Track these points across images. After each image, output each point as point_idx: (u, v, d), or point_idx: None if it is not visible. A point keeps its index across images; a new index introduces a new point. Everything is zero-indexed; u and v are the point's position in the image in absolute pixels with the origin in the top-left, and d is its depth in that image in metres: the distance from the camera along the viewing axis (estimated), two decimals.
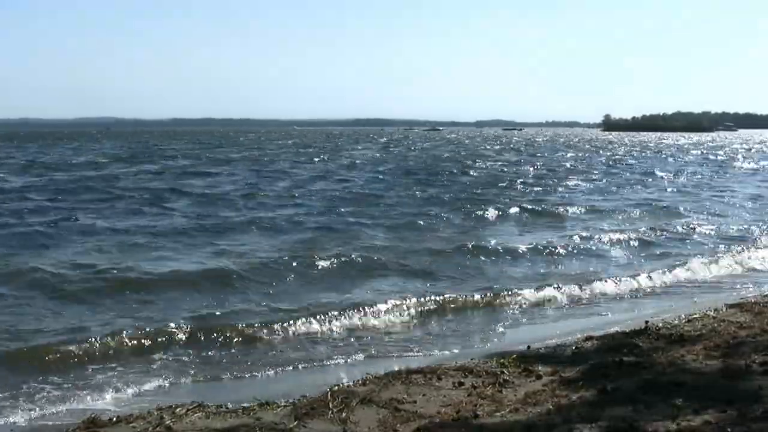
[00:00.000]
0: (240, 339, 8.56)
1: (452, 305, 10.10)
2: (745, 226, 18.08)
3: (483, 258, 13.43)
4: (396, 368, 7.00)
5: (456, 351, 8.05)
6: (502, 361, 7.10)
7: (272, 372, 7.51)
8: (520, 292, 10.71)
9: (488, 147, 78.80)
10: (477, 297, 10.45)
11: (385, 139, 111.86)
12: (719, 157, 57.38)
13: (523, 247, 14.28)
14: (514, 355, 7.33)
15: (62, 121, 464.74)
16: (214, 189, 26.84)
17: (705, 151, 69.69)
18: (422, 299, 10.08)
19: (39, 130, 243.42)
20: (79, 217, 17.99)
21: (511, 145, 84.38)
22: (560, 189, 28.63)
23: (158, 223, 17.53)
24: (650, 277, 11.95)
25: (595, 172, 38.96)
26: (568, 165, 44.95)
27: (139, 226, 16.86)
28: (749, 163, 49.40)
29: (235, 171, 36.93)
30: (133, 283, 10.81)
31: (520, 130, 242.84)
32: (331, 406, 5.74)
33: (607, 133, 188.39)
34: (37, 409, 6.35)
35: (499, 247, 14.21)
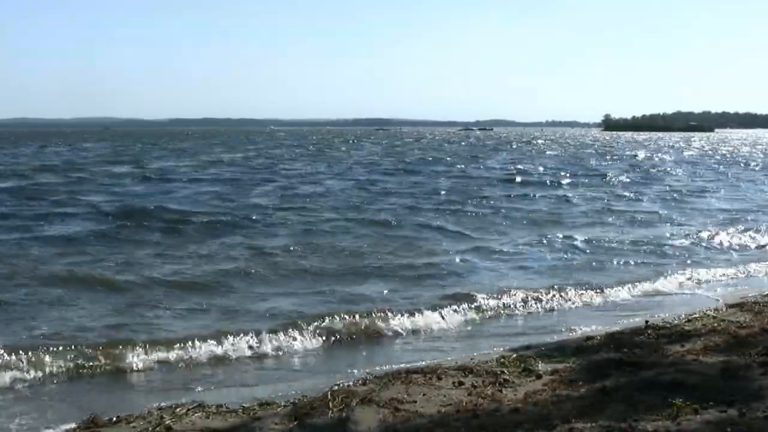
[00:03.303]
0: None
1: None
2: None
3: None
4: (396, 368, 7.01)
5: None
6: (502, 360, 7.11)
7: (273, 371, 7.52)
8: None
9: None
10: None
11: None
12: None
13: None
14: (514, 355, 7.34)
15: (61, 121, 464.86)
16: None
17: None
18: None
19: (36, 130, 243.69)
20: None
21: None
22: None
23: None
24: None
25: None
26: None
27: None
28: None
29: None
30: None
31: (491, 129, 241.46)
32: (331, 406, 5.73)
33: (606, 132, 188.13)
34: None
35: None
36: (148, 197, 23.16)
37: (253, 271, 11.87)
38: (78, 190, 25.16)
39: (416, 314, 9.37)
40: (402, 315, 9.29)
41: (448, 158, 51.92)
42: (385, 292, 10.72)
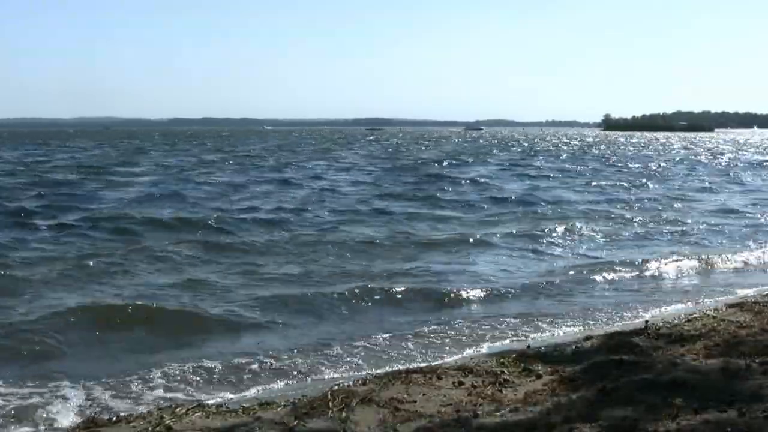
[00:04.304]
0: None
1: None
2: None
3: None
4: (396, 368, 7.01)
5: None
6: (502, 360, 7.11)
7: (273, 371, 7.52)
8: None
9: None
10: None
11: None
12: None
13: None
14: (514, 355, 7.34)
15: (61, 120, 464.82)
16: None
17: None
18: None
19: (36, 130, 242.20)
20: None
21: None
22: None
23: None
24: None
25: None
26: None
27: None
28: None
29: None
30: None
31: (481, 129, 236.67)
32: (331, 405, 5.73)
33: (607, 132, 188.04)
34: None
35: None
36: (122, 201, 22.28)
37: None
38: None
39: None
40: None
41: (469, 158, 51.49)
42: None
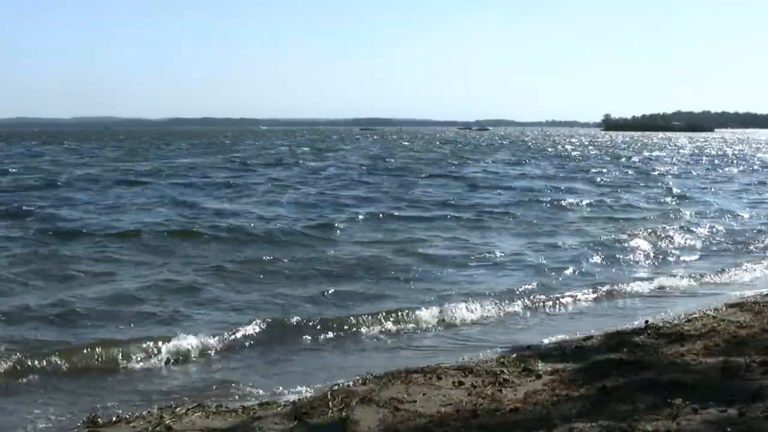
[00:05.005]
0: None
1: None
2: None
3: None
4: (396, 368, 6.99)
5: None
6: (502, 360, 7.11)
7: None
8: None
9: None
10: None
11: None
12: None
13: None
14: (514, 355, 7.34)
15: (60, 120, 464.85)
16: None
17: None
18: None
19: (34, 130, 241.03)
20: None
21: None
22: None
23: None
24: None
25: None
26: None
27: None
28: None
29: None
30: None
31: (488, 129, 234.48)
32: (331, 405, 5.73)
33: (608, 132, 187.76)
34: None
35: None
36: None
37: None
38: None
39: None
40: None
41: (475, 158, 51.17)
42: None
